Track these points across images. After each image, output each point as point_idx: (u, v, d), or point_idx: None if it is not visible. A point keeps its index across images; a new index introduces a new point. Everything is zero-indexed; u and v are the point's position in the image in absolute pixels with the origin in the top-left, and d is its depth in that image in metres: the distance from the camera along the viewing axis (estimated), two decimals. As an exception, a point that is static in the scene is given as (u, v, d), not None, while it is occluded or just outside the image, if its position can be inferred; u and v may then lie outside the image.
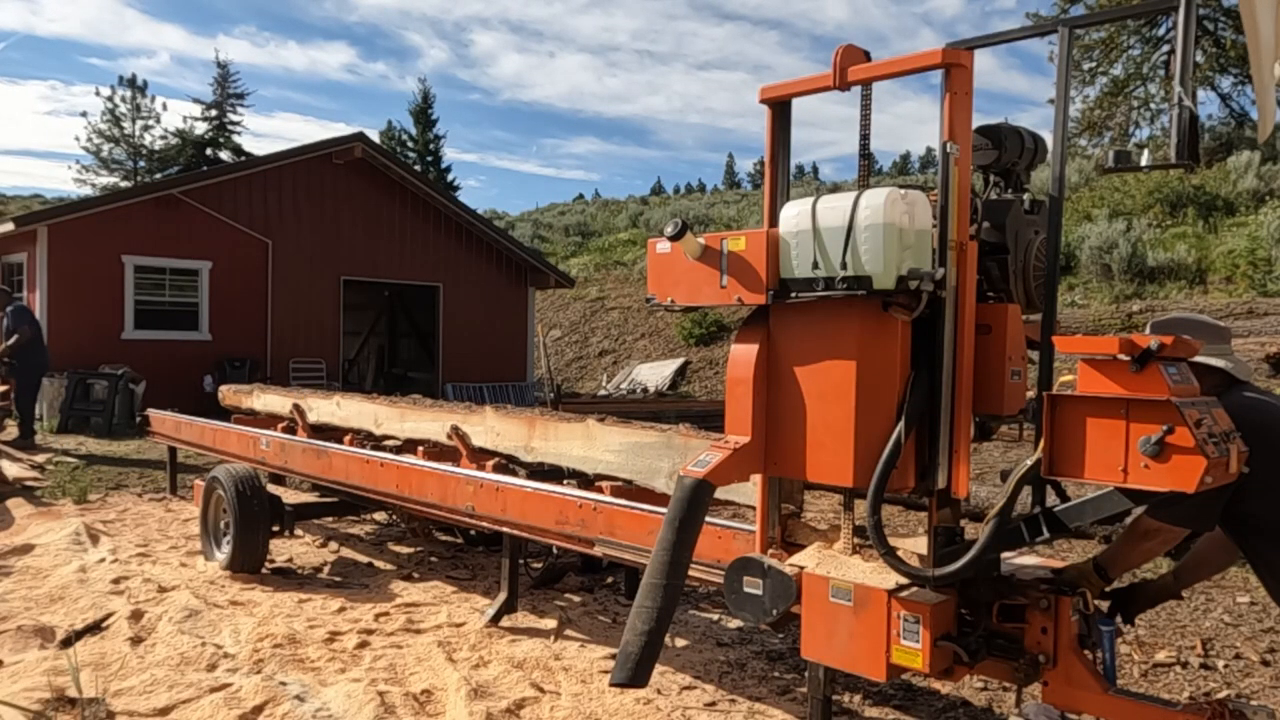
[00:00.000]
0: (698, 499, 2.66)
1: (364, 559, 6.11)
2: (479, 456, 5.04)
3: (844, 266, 2.51)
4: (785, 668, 4.13)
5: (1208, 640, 4.42)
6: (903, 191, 2.50)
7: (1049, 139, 2.74)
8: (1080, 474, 2.30)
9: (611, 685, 2.62)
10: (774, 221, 2.77)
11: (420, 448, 5.41)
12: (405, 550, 6.35)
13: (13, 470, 8.50)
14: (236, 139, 39.47)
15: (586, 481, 4.59)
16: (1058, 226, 2.64)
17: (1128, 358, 2.22)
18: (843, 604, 2.62)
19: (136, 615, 4.59)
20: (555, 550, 4.97)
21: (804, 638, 2.72)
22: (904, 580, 2.57)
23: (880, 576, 2.62)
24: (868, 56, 2.66)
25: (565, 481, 4.68)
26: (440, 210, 18.07)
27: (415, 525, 6.07)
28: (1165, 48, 24.22)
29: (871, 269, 2.46)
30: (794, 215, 2.66)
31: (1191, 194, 19.15)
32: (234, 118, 39.75)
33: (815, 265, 2.58)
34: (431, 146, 42.84)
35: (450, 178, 43.11)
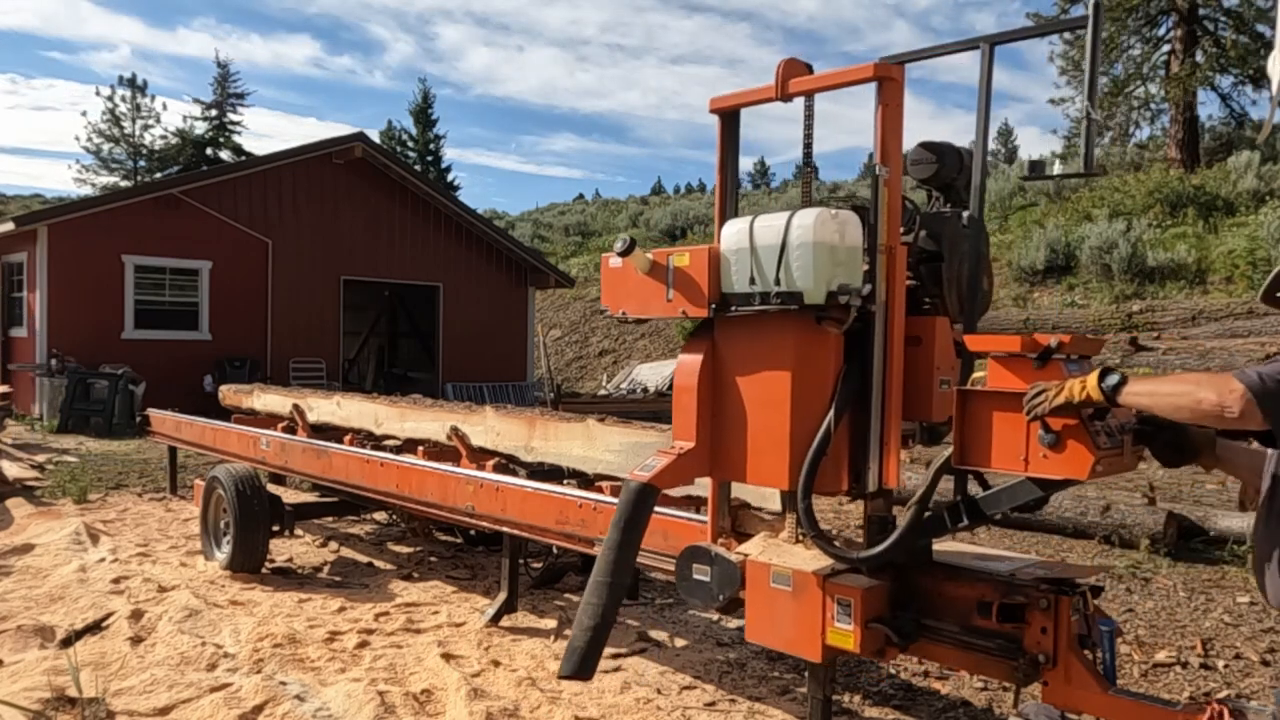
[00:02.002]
0: (642, 502, 2.80)
1: (364, 559, 6.12)
2: (479, 456, 5.04)
3: (778, 282, 2.66)
4: (785, 668, 4.13)
5: (1208, 640, 4.42)
6: (833, 211, 2.63)
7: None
8: (987, 464, 2.42)
9: (559, 678, 2.74)
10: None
11: (420, 447, 5.41)
12: (405, 550, 6.35)
13: (13, 470, 8.52)
14: (237, 139, 39.53)
15: (586, 481, 4.59)
16: (978, 242, 2.75)
17: (1031, 355, 2.33)
18: (783, 589, 2.75)
19: (136, 615, 4.59)
20: (555, 550, 4.97)
21: (748, 622, 2.85)
22: (841, 566, 2.71)
23: (817, 563, 2.74)
24: (810, 69, 2.80)
25: (565, 481, 4.69)
26: (440, 210, 18.09)
27: (415, 525, 6.07)
28: (1165, 48, 24.25)
29: (803, 285, 2.61)
30: (733, 233, 2.81)
31: (1191, 194, 19.16)
32: (234, 117, 39.82)
33: (752, 281, 2.73)
34: (431, 146, 42.96)
35: (450, 177, 43.21)
